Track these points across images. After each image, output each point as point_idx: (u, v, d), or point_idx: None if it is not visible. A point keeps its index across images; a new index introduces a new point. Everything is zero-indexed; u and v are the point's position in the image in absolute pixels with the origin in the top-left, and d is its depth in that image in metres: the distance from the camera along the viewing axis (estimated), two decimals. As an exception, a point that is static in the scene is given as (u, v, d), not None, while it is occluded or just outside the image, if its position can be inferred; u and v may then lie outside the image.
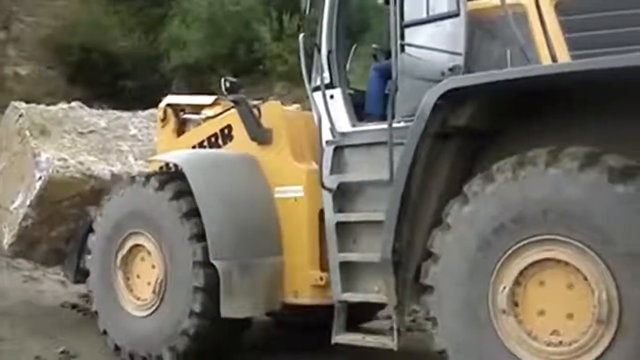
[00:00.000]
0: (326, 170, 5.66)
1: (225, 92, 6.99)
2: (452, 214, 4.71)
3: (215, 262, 5.92)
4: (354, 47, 6.24)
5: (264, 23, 27.09)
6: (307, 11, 6.15)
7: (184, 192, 6.21)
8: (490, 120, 4.97)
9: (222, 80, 7.03)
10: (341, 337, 5.57)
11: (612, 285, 4.04)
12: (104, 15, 29.18)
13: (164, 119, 8.07)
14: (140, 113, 9.94)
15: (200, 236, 6.10)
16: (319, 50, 6.03)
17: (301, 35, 6.17)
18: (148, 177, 6.61)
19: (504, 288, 4.49)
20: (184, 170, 6.22)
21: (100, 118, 9.35)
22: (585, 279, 4.19)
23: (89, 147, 8.77)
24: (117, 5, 31.76)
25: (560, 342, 4.30)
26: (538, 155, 4.40)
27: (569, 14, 4.94)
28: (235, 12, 27.95)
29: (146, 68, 27.41)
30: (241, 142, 6.67)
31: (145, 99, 15.85)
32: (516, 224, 4.40)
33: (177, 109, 7.71)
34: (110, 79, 27.07)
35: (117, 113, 9.93)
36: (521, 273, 4.46)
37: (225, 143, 6.89)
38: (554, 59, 4.87)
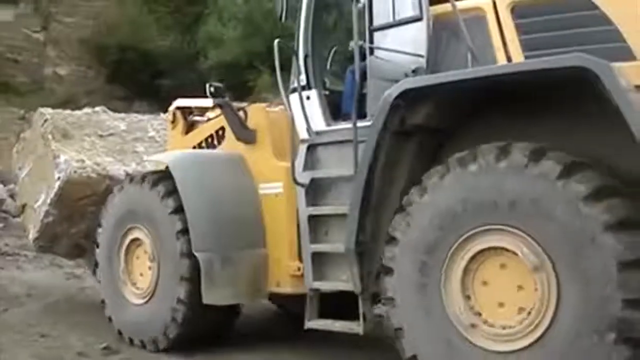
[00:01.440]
0: (299, 167, 6.02)
1: (210, 97, 7.45)
2: (412, 202, 5.01)
3: (196, 254, 6.42)
4: (333, 50, 6.26)
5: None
6: (283, 18, 6.46)
7: (174, 190, 6.73)
8: (448, 118, 5.24)
9: (207, 85, 7.46)
10: (313, 323, 5.94)
11: (552, 273, 4.35)
12: (141, 15, 29.55)
13: (174, 121, 8.40)
14: (162, 115, 10.30)
15: (186, 230, 6.60)
16: (296, 54, 6.35)
17: (276, 40, 6.42)
18: (144, 176, 7.19)
19: (456, 273, 4.79)
20: (171, 170, 6.79)
21: (122, 121, 9.91)
22: (526, 262, 4.51)
23: (107, 149, 9.35)
24: (154, 4, 32.06)
25: (509, 326, 4.57)
26: (489, 149, 4.67)
27: (524, 16, 5.25)
28: (271, 9, 27.88)
29: (183, 67, 27.71)
30: (232, 143, 7.16)
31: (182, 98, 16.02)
32: (468, 214, 4.71)
33: (185, 111, 8.19)
34: (148, 78, 27.44)
35: (139, 116, 10.49)
36: (472, 259, 4.74)
37: (219, 143, 7.40)
38: (509, 60, 5.19)
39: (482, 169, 4.67)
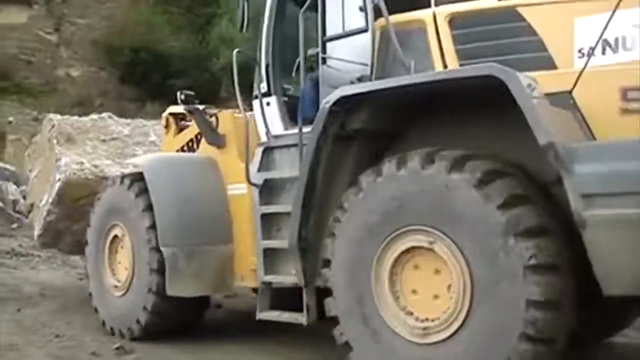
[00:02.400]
0: (254, 169, 6.52)
1: (180, 104, 7.84)
2: (348, 200, 5.37)
3: (162, 248, 6.88)
4: (297, 60, 6.78)
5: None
6: (244, 29, 6.94)
7: (146, 190, 7.24)
8: (386, 123, 5.58)
9: (178, 93, 7.82)
10: (263, 314, 6.37)
11: (466, 271, 4.73)
12: (153, 15, 29.67)
13: (167, 126, 9.07)
14: (164, 120, 10.56)
15: (154, 226, 7.10)
16: (258, 64, 6.83)
17: (235, 50, 7.07)
18: (122, 177, 7.73)
19: (385, 268, 5.18)
20: (143, 172, 7.31)
21: (126, 126, 10.53)
22: (445, 262, 4.89)
23: (109, 152, 10.01)
24: (166, 5, 32.22)
25: (428, 319, 4.97)
26: (415, 155, 5.04)
27: (460, 27, 5.59)
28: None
29: (196, 67, 27.88)
30: (206, 146, 7.65)
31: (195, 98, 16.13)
32: (395, 214, 5.09)
33: (177, 117, 8.70)
34: (160, 79, 27.61)
35: (143, 122, 11.05)
36: (398, 256, 5.12)
37: (198, 147, 7.95)
38: (445, 68, 5.54)
39: (408, 173, 5.04)
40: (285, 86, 6.98)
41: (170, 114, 8.70)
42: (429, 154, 5.00)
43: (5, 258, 12.64)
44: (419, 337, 4.99)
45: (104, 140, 10.50)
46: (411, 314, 5.13)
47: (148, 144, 10.29)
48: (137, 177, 7.45)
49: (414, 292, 5.17)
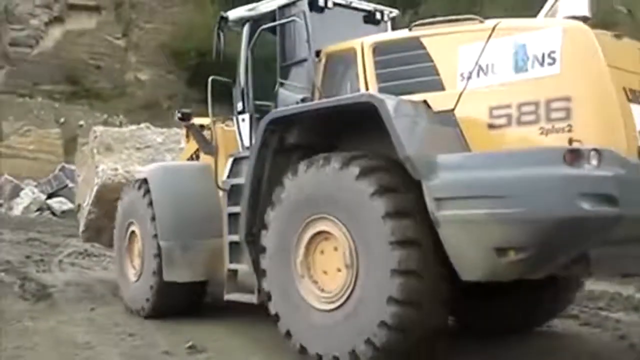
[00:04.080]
0: (225, 175, 7.46)
1: (178, 121, 8.81)
2: (276, 196, 6.27)
3: (160, 242, 7.89)
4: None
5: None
6: (220, 58, 7.74)
7: (150, 191, 8.29)
8: (317, 138, 6.39)
9: (176, 112, 8.79)
10: (229, 296, 7.25)
11: (352, 245, 5.62)
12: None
13: (187, 136, 9.72)
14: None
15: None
16: (236, 86, 7.70)
17: (210, 77, 7.98)
18: (135, 182, 8.74)
19: (301, 251, 6.08)
20: (147, 177, 8.33)
21: (160, 135, 11.61)
22: (340, 243, 5.76)
23: (142, 159, 11.09)
24: (230, 9, 32.49)
25: (329, 290, 5.86)
26: (319, 158, 5.93)
27: (380, 54, 6.42)
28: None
29: (261, 68, 27.96)
30: (205, 155, 8.53)
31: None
32: (306, 206, 6.00)
33: (196, 127, 9.14)
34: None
35: (177, 130, 11.86)
36: (310, 240, 6.02)
37: (200, 155, 8.81)
38: (367, 89, 6.34)
39: (313, 172, 5.96)
40: (265, 103, 7.63)
41: (200, 125, 9.17)
42: (327, 157, 5.89)
43: (78, 259, 12.98)
44: (324, 305, 5.87)
45: (138, 148, 11.65)
46: (319, 286, 6.01)
47: (178, 151, 11.07)
48: (145, 182, 8.49)
49: (321, 268, 6.05)
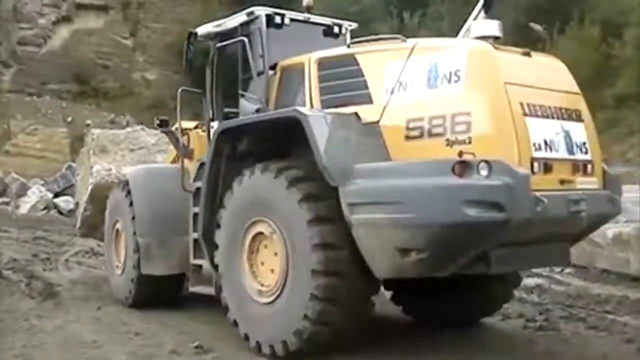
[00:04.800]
0: (191, 178, 7.91)
1: (156, 127, 9.40)
2: (226, 199, 6.91)
3: (138, 238, 8.54)
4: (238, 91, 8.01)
5: (384, 21, 27.03)
6: (188, 70, 8.24)
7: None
8: (266, 147, 6.85)
9: (154, 118, 9.30)
10: (193, 288, 7.92)
11: (285, 245, 6.24)
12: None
13: None
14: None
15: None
16: (206, 96, 8.29)
17: (180, 89, 8.49)
18: (120, 182, 9.56)
19: (245, 248, 6.73)
20: (128, 179, 9.03)
21: (154, 137, 12.00)
22: (276, 243, 6.40)
23: (135, 160, 11.80)
24: (238, 9, 32.51)
25: (267, 285, 6.50)
26: (259, 167, 6.54)
27: (323, 69, 6.96)
28: (356, 11, 28.11)
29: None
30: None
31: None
32: (249, 209, 6.64)
33: (183, 130, 9.50)
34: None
35: None
36: (253, 239, 6.67)
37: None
38: (311, 102, 6.92)
39: (254, 180, 6.60)
40: (233, 111, 8.08)
41: (184, 128, 9.64)
42: (266, 166, 6.51)
43: (84, 257, 13.01)
44: (263, 298, 6.51)
45: (132, 150, 12.47)
46: (259, 281, 6.65)
47: (169, 152, 11.29)
48: (127, 182, 9.15)
49: (262, 264, 6.67)
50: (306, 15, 8.01)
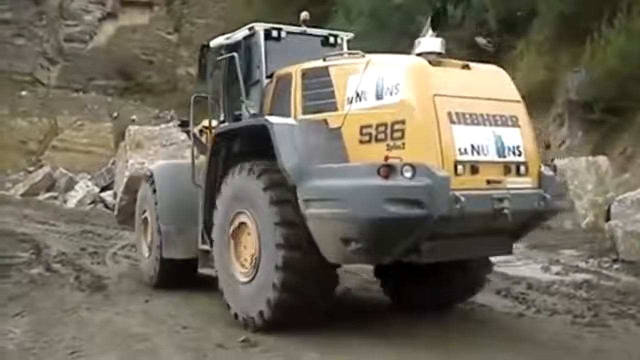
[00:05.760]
0: (202, 174, 8.71)
1: (178, 128, 10.99)
2: (219, 194, 7.98)
3: (160, 225, 9.55)
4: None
5: (427, 15, 26.84)
6: (204, 79, 9.05)
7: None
8: (261, 147, 7.39)
9: (176, 121, 10.72)
10: (201, 270, 8.75)
11: (257, 230, 7.27)
12: (268, 14, 29.95)
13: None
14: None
15: None
16: (217, 101, 9.25)
17: (193, 96, 9.61)
18: (146, 176, 10.44)
19: (230, 233, 7.75)
20: (153, 173, 10.03)
21: (184, 134, 12.43)
22: (252, 230, 7.44)
23: (166, 154, 13.19)
24: (281, 4, 32.59)
25: (246, 267, 7.51)
26: (239, 166, 7.57)
27: (305, 79, 7.81)
28: (398, 5, 27.91)
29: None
30: None
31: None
32: (234, 202, 7.68)
33: (204, 129, 9.96)
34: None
35: None
36: (237, 228, 7.66)
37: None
38: (295, 109, 7.80)
39: (235, 177, 7.64)
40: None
41: (204, 126, 10.11)
42: (243, 165, 7.54)
43: (131, 251, 13.15)
44: (245, 278, 7.51)
45: (164, 145, 14.03)
46: (242, 264, 7.62)
47: None
48: (152, 176, 10.11)
49: (243, 249, 7.64)
50: (303, 28, 8.94)
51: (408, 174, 6.25)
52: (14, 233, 15.49)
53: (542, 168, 7.25)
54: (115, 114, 32.66)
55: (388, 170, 6.29)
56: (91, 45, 36.34)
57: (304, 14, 9.07)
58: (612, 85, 18.93)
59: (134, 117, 32.14)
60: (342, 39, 9.10)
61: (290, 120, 7.44)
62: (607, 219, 12.93)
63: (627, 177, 17.03)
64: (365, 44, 27.49)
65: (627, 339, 7.23)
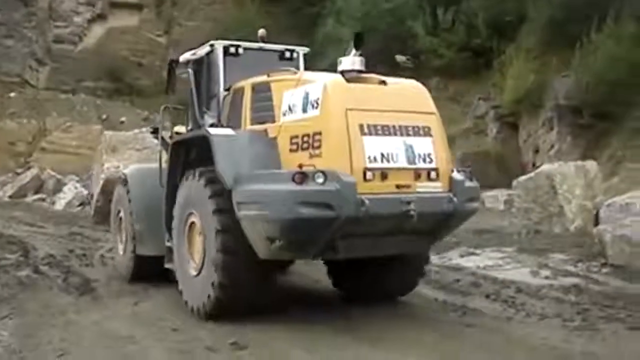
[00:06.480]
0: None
1: (150, 134, 12.31)
2: (178, 194, 8.79)
3: (134, 224, 10.34)
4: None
5: (417, 18, 26.90)
6: (173, 91, 10.22)
7: None
8: (207, 155, 8.13)
9: (149, 128, 11.98)
10: (167, 265, 9.43)
11: (202, 229, 8.10)
12: (259, 16, 30.00)
13: None
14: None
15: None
16: (190, 108, 9.90)
17: (162, 106, 10.69)
18: (121, 178, 11.31)
19: (185, 234, 8.58)
20: (126, 176, 10.89)
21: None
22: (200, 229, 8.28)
23: (140, 158, 13.96)
24: (271, 6, 32.59)
25: (195, 261, 8.34)
26: (191, 172, 8.42)
27: (254, 92, 8.70)
28: (389, 8, 28.02)
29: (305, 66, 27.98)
30: None
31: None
32: (186, 204, 8.55)
33: (175, 134, 10.60)
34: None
35: None
36: (190, 227, 8.49)
37: None
38: (245, 120, 8.70)
39: (188, 181, 8.52)
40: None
41: (176, 132, 10.64)
42: (195, 172, 8.34)
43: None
44: (194, 272, 8.32)
45: (138, 150, 14.97)
46: (193, 260, 8.42)
47: None
48: (126, 179, 10.88)
49: (193, 246, 8.46)
50: (260, 44, 9.82)
51: (320, 180, 7.06)
52: (2, 235, 15.45)
53: (454, 173, 7.97)
54: (104, 116, 32.58)
55: (302, 177, 7.11)
56: (80, 46, 36.10)
57: (261, 31, 9.95)
58: (601, 90, 19.06)
59: (124, 118, 32.04)
60: (297, 53, 9.93)
61: (228, 131, 8.41)
62: (596, 223, 12.97)
63: (616, 182, 17.13)
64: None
65: (617, 342, 7.27)
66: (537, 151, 22.35)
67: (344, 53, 8.27)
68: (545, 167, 15.70)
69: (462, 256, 12.43)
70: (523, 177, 15.73)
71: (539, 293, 9.48)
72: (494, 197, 20.02)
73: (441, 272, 11.02)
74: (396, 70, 27.40)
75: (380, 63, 25.95)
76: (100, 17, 36.75)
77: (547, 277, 10.50)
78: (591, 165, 15.34)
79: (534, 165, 21.06)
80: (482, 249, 12.95)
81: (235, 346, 6.88)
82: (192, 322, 7.90)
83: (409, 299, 9.27)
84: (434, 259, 12.11)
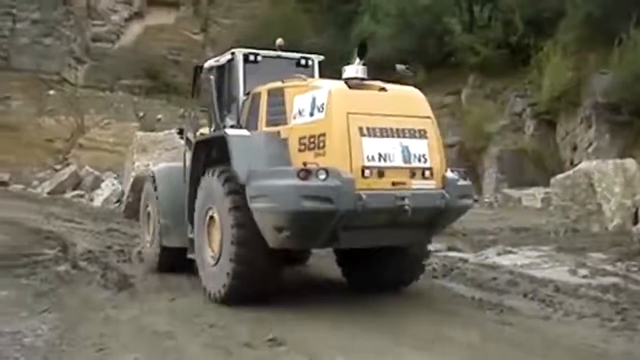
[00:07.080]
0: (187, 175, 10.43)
1: (178, 136, 12.32)
2: (199, 189, 9.38)
3: (160, 218, 10.96)
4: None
5: (454, 15, 26.73)
6: (198, 95, 11.07)
7: None
8: (226, 155, 8.73)
9: (176, 128, 12.35)
10: (189, 255, 9.98)
11: (221, 224, 8.79)
12: (295, 14, 30.05)
13: None
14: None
15: None
16: (213, 111, 10.33)
17: (188, 109, 11.33)
18: (149, 176, 11.96)
19: (206, 226, 9.17)
20: (154, 174, 11.55)
21: None
22: (218, 223, 8.86)
23: (169, 158, 14.49)
24: (308, 4, 32.62)
25: (215, 251, 8.90)
26: (212, 170, 8.99)
27: (270, 97, 9.36)
28: (425, 6, 27.84)
29: (339, 64, 27.95)
30: None
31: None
32: (206, 200, 9.11)
33: (189, 139, 11.35)
34: (303, 76, 27.84)
35: None
36: (209, 221, 9.09)
37: None
38: (262, 123, 9.31)
39: (207, 179, 9.12)
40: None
41: (202, 134, 11.12)
42: (215, 170, 8.96)
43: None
44: (212, 261, 8.96)
45: (167, 149, 15.79)
46: (212, 250, 9.03)
47: None
48: (154, 176, 11.52)
49: (213, 237, 9.01)
50: (278, 52, 10.53)
51: (322, 177, 7.67)
52: (41, 231, 15.72)
53: (448, 173, 8.56)
54: (141, 114, 32.88)
55: (306, 173, 7.73)
56: (118, 44, 36.55)
57: (279, 40, 10.62)
58: (640, 87, 18.79)
59: (160, 116, 32.33)
60: (313, 60, 10.65)
61: (244, 132, 9.11)
62: (635, 221, 12.82)
63: (655, 180, 16.88)
64: (392, 45, 27.43)
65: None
66: (575, 149, 22.17)
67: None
68: (584, 165, 15.58)
69: (499, 254, 12.30)
70: (561, 175, 15.67)
71: (577, 292, 9.36)
72: (532, 195, 19.88)
73: (478, 271, 10.96)
74: (432, 67, 27.42)
75: (415, 60, 25.96)
76: (138, 15, 37.16)
77: (585, 276, 10.36)
78: (630, 163, 15.16)
79: (572, 163, 20.92)
80: (519, 247, 12.86)
81: (273, 342, 6.88)
82: (229, 318, 7.90)
83: (445, 297, 9.29)
84: (470, 257, 12.13)
